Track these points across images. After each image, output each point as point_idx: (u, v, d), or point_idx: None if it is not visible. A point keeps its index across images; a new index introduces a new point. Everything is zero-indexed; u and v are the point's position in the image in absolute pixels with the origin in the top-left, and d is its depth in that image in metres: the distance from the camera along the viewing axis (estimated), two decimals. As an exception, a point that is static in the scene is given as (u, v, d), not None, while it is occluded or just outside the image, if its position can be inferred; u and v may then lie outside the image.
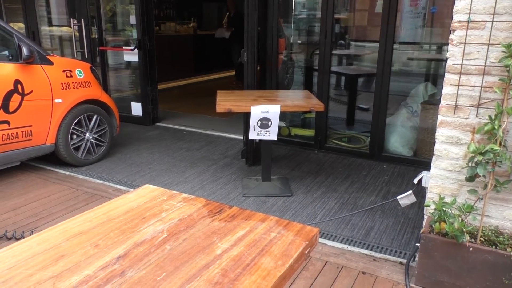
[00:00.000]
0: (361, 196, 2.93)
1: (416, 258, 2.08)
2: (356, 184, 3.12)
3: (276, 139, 2.71)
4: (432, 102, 3.49)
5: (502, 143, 1.86)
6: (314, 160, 3.63)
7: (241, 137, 3.91)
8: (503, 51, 1.84)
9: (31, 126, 3.05)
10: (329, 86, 3.71)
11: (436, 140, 2.03)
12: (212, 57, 7.93)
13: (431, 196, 2.08)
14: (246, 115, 3.29)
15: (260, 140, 2.92)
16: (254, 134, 2.66)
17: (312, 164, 3.53)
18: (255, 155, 3.48)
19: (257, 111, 2.62)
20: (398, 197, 2.30)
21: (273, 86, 3.87)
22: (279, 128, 3.96)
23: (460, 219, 1.88)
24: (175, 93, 6.98)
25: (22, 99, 2.97)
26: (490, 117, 1.85)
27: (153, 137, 4.23)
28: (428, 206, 2.04)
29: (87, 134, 3.44)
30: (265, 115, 2.62)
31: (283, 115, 4.14)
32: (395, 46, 3.41)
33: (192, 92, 6.83)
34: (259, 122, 2.62)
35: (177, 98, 6.41)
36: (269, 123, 2.63)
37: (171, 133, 4.39)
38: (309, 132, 4.00)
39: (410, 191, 2.28)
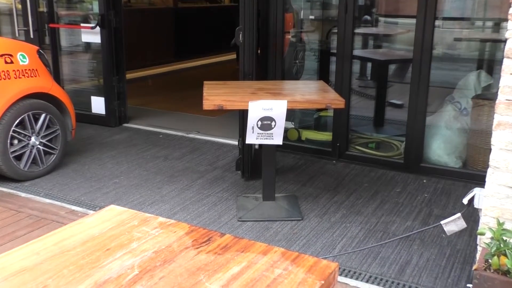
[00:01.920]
0: (393, 220, 2.93)
1: (467, 303, 2.07)
2: (386, 205, 3.12)
3: (281, 144, 2.72)
4: (487, 97, 3.50)
5: None
6: (331, 172, 3.63)
7: (235, 142, 3.91)
8: None
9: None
10: (351, 76, 3.73)
11: (492, 147, 2.03)
12: (199, 36, 7.98)
13: (486, 221, 2.07)
14: (242, 114, 3.30)
15: (260, 146, 2.93)
16: (253, 137, 2.67)
17: (329, 177, 3.54)
18: (254, 166, 3.49)
19: (257, 108, 2.62)
20: (442, 222, 2.30)
21: (277, 75, 3.88)
22: (286, 130, 3.97)
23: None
24: (149, 84, 7.00)
25: None
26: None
27: (120, 142, 4.24)
28: (483, 234, 2.04)
29: (33, 139, 3.44)
30: (267, 114, 2.63)
31: (290, 114, 4.15)
32: (437, 23, 3.43)
33: (171, 83, 6.85)
34: (260, 123, 2.63)
35: (152, 91, 6.43)
36: (273, 123, 2.64)
37: (144, 136, 4.40)
38: (325, 136, 4.01)
39: (459, 215, 2.28)
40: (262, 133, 2.65)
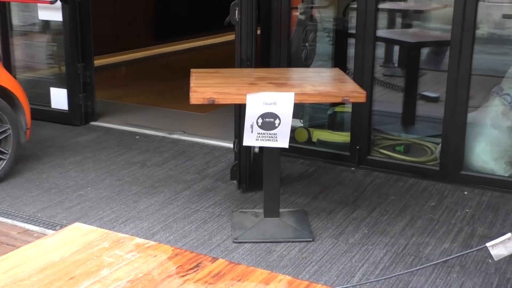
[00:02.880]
0: (427, 241, 2.93)
1: None
2: (418, 222, 3.12)
3: (287, 147, 2.72)
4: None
5: None
6: (349, 182, 3.64)
7: (230, 145, 3.91)
8: None
9: None
10: (373, 62, 3.74)
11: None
12: (185, 14, 7.99)
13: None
14: (239, 109, 3.30)
15: (261, 149, 2.94)
16: (252, 138, 2.68)
17: (347, 188, 3.54)
18: (253, 174, 3.48)
19: (257, 103, 2.63)
20: (488, 244, 2.30)
21: (282, 61, 3.89)
22: (293, 129, 3.98)
23: None
24: (123, 73, 7.01)
25: None
26: None
27: (87, 145, 4.25)
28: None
29: (-22, 140, 3.44)
30: (269, 109, 2.63)
31: (299, 109, 4.16)
32: (481, -4, 3.44)
33: (151, 72, 6.86)
34: (260, 120, 2.64)
35: (126, 81, 6.43)
36: (277, 121, 2.64)
37: (116, 138, 4.40)
38: (342, 137, 4.02)
39: (509, 235, 2.28)
40: (264, 133, 2.66)
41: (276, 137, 2.67)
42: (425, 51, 4.78)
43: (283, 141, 2.68)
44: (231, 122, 3.56)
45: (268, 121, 2.64)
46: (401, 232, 3.01)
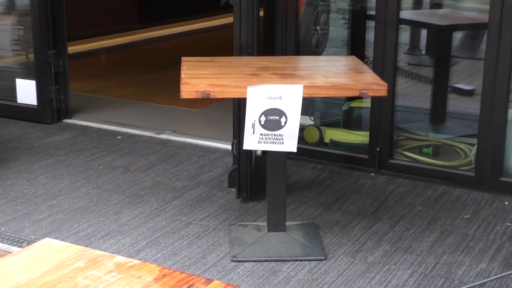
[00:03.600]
0: (460, 261, 2.92)
1: None
2: (450, 238, 3.12)
3: (295, 150, 2.71)
4: None
5: None
6: (368, 190, 3.63)
7: (228, 146, 3.91)
8: None
9: None
10: (396, 49, 3.73)
11: None
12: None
13: None
14: (238, 105, 3.30)
15: (264, 151, 2.94)
16: (253, 140, 2.67)
17: (365, 197, 3.54)
18: (255, 180, 3.48)
19: (259, 97, 2.63)
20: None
21: (289, 48, 3.89)
22: (302, 128, 3.98)
23: None
24: (102, 61, 7.01)
25: None
26: None
27: (59, 147, 4.25)
28: None
29: None
30: (274, 104, 2.63)
31: (308, 105, 4.15)
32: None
33: (135, 60, 6.85)
34: (263, 118, 2.63)
35: (106, 71, 6.43)
36: (283, 119, 2.64)
37: (94, 138, 4.41)
38: (359, 137, 4.02)
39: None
40: (267, 134, 2.65)
41: (282, 139, 2.66)
42: (457, 36, 4.77)
43: (290, 144, 2.67)
44: (229, 120, 3.55)
45: (273, 119, 2.63)
46: (429, 249, 3.00)
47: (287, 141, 2.66)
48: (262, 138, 2.66)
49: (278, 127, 2.65)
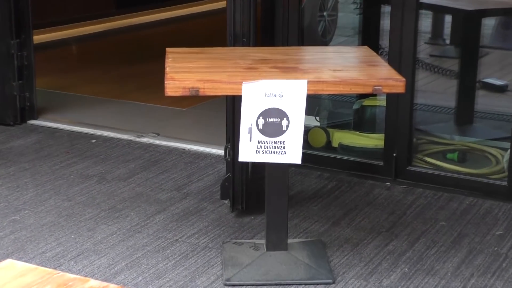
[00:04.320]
0: (491, 284, 2.91)
1: None
2: (479, 258, 3.11)
3: (300, 161, 2.68)
4: None
5: None
6: (383, 202, 3.63)
7: (220, 151, 3.90)
8: None
9: None
10: (416, 38, 3.73)
11: None
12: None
13: None
14: (232, 104, 3.29)
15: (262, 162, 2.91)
16: (250, 149, 2.64)
17: (380, 211, 3.53)
18: (252, 191, 3.47)
19: (257, 95, 2.62)
20: None
21: (292, 38, 3.89)
22: (306, 130, 3.97)
23: None
24: (74, 52, 6.99)
25: None
26: None
27: (24, 152, 4.23)
28: None
29: None
30: (274, 103, 2.62)
31: (313, 103, 4.14)
32: None
33: (112, 51, 6.83)
34: (261, 121, 2.62)
35: (78, 63, 6.41)
36: (284, 122, 2.63)
37: (65, 142, 4.39)
38: (372, 140, 4.01)
39: None
40: (266, 142, 2.62)
41: (284, 147, 2.64)
42: (488, 23, 4.77)
43: (294, 154, 2.64)
44: (221, 121, 3.54)
45: (273, 122, 2.61)
46: (455, 271, 2.99)
47: (290, 149, 2.64)
48: (261, 147, 2.64)
49: (279, 132, 2.63)
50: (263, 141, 2.63)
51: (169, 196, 3.67)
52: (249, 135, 2.62)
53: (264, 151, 2.65)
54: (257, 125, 2.62)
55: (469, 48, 4.48)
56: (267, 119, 2.62)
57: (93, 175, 3.91)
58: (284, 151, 2.64)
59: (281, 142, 2.63)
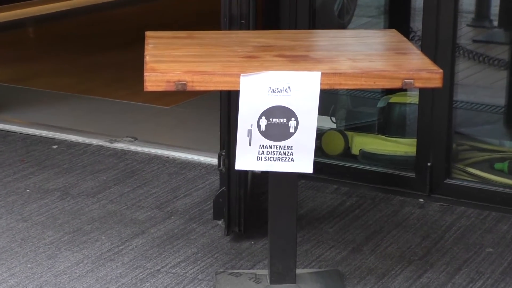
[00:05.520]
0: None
1: None
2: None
3: (311, 170, 2.67)
4: None
5: None
6: (415, 223, 3.63)
7: (213, 160, 3.91)
8: None
9: None
10: (456, 20, 3.74)
11: None
12: None
13: None
14: (227, 100, 3.31)
15: (264, 173, 2.92)
16: (250, 156, 2.64)
17: (411, 234, 3.53)
18: (251, 210, 3.47)
19: (258, 90, 2.62)
20: None
21: (301, 19, 3.90)
22: (320, 133, 3.98)
23: None
24: (30, 36, 6.98)
25: None
26: None
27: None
28: None
29: None
30: (279, 101, 2.62)
31: (327, 101, 4.15)
32: None
33: (78, 36, 6.82)
34: (264, 122, 2.61)
35: (36, 50, 6.40)
36: (292, 123, 2.62)
37: (19, 148, 4.41)
38: (402, 147, 4.02)
39: None
40: (270, 147, 2.63)
41: (292, 154, 2.64)
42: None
43: (304, 161, 2.64)
44: (214, 122, 3.55)
45: (278, 124, 2.61)
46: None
47: (299, 156, 2.63)
48: (263, 153, 2.63)
49: (286, 134, 2.63)
50: (266, 145, 2.63)
51: (149, 215, 3.67)
52: (248, 138, 2.61)
53: (266, 158, 2.64)
54: (259, 126, 2.62)
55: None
56: (270, 119, 2.62)
57: (55, 189, 3.92)
58: (292, 158, 2.64)
59: (288, 147, 2.63)
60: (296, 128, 2.63)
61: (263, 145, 2.63)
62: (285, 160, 2.65)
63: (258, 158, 2.64)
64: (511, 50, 4.57)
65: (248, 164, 2.67)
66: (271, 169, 2.70)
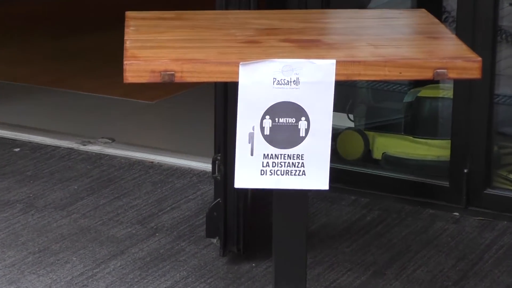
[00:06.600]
0: None
1: None
2: None
3: (327, 186, 2.56)
4: None
5: None
6: (449, 240, 3.65)
7: (206, 165, 3.94)
8: None
9: None
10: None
11: None
12: None
13: None
14: (223, 94, 3.33)
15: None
16: (252, 170, 2.58)
17: (444, 253, 3.55)
18: (252, 226, 3.52)
19: (260, 81, 2.64)
20: None
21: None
22: (335, 134, 4.01)
23: None
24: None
25: None
26: None
27: None
28: None
29: None
30: (286, 95, 2.62)
31: (344, 95, 4.17)
32: None
33: (44, 18, 6.83)
34: (268, 122, 2.59)
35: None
36: (302, 123, 2.61)
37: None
38: (433, 149, 4.06)
39: None
40: (276, 156, 2.58)
41: (303, 165, 2.62)
42: None
43: (317, 174, 2.61)
44: (207, 121, 3.57)
45: (285, 125, 2.59)
46: None
47: (312, 168, 2.60)
48: (268, 164, 2.58)
49: (295, 140, 2.59)
50: (271, 155, 2.57)
51: (130, 232, 3.70)
52: (249, 145, 2.57)
53: (272, 171, 2.59)
54: (262, 128, 2.60)
55: None
56: (276, 119, 2.61)
57: (17, 200, 3.94)
58: (303, 171, 2.59)
59: (297, 156, 2.60)
60: (307, 130, 2.60)
61: (267, 155, 2.57)
62: (295, 174, 2.59)
63: (262, 172, 2.58)
64: None
65: (250, 181, 2.60)
66: (278, 186, 2.63)
